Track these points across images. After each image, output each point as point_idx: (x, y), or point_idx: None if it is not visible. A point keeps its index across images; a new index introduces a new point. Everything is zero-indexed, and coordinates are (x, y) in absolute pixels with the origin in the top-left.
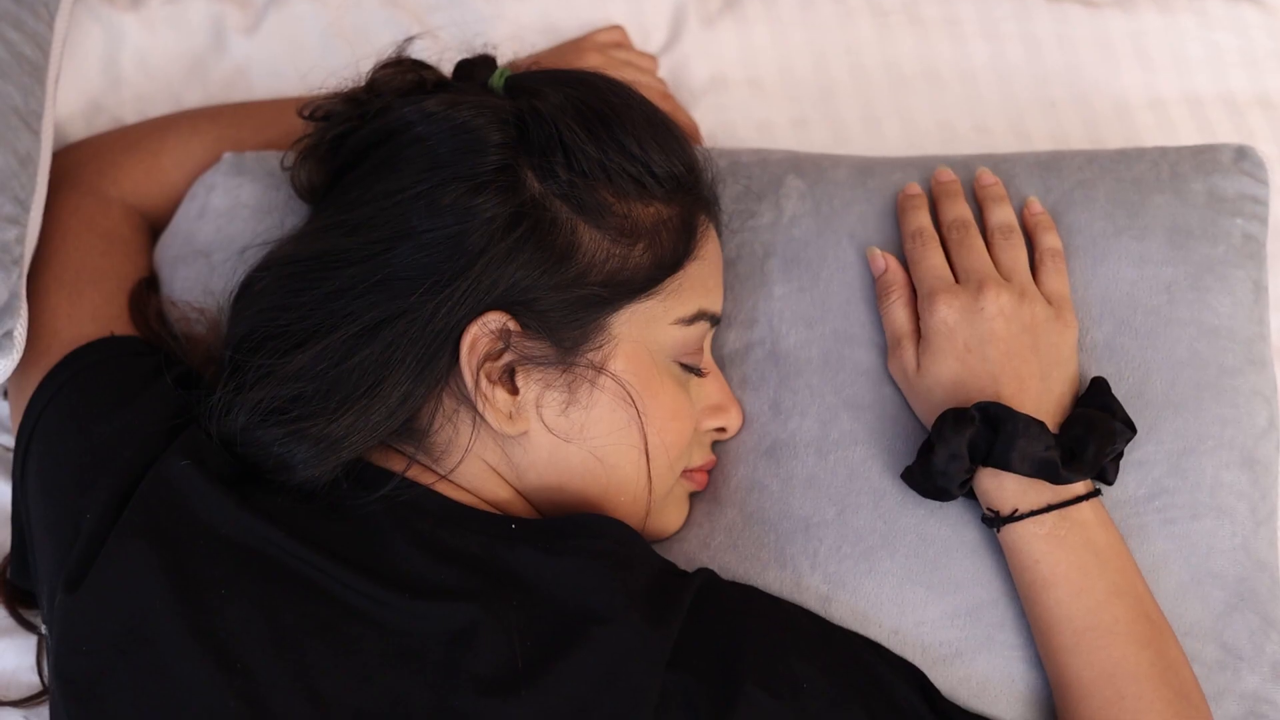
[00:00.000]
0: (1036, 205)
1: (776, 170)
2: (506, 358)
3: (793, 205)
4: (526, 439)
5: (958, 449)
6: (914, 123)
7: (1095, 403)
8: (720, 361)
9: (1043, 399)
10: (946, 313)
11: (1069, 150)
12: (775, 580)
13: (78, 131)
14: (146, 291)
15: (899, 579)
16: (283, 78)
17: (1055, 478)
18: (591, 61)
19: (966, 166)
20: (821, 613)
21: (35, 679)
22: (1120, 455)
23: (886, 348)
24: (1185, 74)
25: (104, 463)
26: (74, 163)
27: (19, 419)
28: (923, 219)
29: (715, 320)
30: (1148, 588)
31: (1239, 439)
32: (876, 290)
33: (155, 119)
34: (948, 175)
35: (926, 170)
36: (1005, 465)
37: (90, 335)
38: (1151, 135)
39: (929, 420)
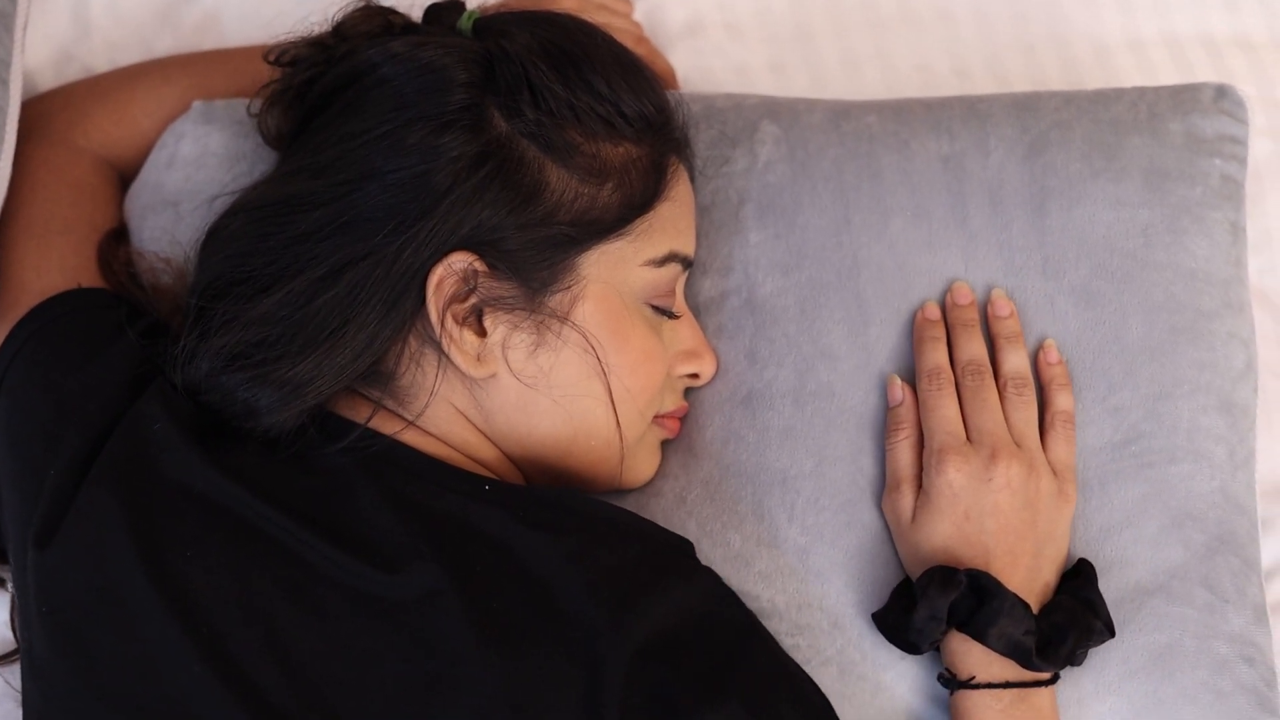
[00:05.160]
0: (1054, 353)
1: (751, 115)
2: (473, 299)
3: (767, 151)
4: (494, 382)
5: (940, 611)
6: (893, 66)
7: (1081, 594)
8: (695, 310)
9: (1031, 577)
10: (955, 476)
11: (1047, 91)
12: (753, 533)
13: (47, 81)
14: (115, 242)
15: (879, 531)
16: (255, 24)
17: (1027, 663)
18: (566, 5)
19: (946, 109)
20: (800, 565)
21: (9, 635)
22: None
23: (863, 303)
24: (1165, 15)
25: (70, 417)
26: (44, 113)
27: None
28: (940, 357)
29: (688, 263)
30: None
31: (1216, 383)
32: (887, 421)
33: (126, 67)
34: (966, 298)
35: (902, 113)
36: (980, 638)
37: (58, 287)
38: (1131, 77)
39: (910, 568)
